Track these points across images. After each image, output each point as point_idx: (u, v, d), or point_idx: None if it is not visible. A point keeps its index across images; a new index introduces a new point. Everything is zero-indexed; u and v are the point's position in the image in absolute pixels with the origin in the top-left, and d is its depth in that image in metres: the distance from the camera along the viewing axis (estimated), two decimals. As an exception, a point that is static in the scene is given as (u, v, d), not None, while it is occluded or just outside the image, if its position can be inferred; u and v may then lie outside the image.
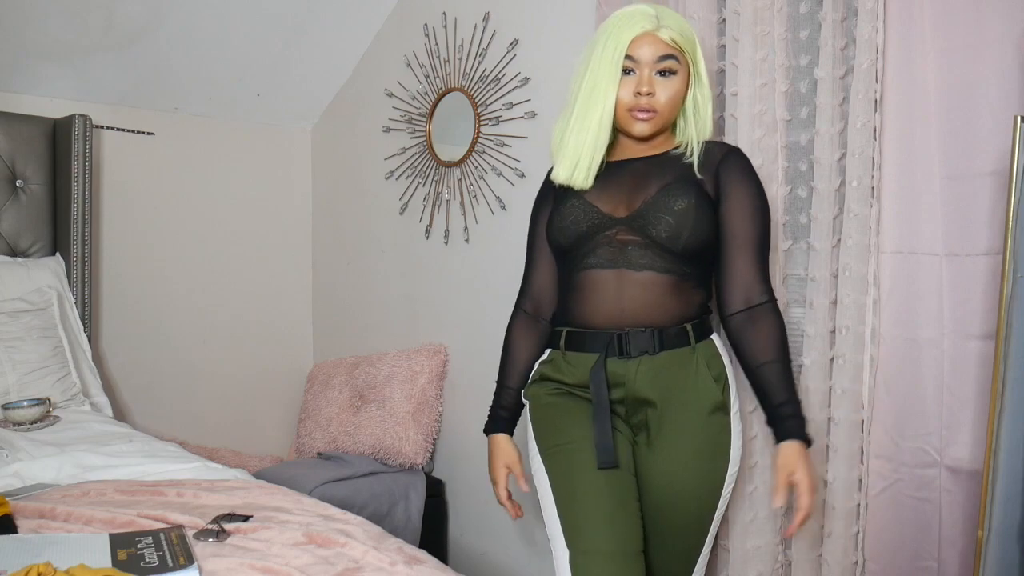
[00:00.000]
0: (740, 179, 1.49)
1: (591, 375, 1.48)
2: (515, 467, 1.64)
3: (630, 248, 1.47)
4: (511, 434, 1.68)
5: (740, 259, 1.48)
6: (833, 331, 1.68)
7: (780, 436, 1.45)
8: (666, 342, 1.47)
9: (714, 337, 1.53)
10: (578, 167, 1.50)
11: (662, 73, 1.46)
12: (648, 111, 1.47)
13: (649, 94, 1.46)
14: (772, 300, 1.49)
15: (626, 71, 1.47)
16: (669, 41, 1.46)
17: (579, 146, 1.49)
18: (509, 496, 1.66)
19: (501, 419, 1.66)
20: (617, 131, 1.56)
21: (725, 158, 1.50)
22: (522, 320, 1.68)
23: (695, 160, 1.50)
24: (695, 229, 1.45)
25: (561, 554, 1.43)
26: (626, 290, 1.47)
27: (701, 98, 1.53)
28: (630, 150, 1.56)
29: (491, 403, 1.69)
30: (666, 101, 1.47)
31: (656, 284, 1.47)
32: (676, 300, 1.48)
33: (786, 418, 1.45)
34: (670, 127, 1.56)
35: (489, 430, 1.68)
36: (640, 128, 1.49)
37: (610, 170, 1.54)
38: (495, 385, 1.69)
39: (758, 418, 1.76)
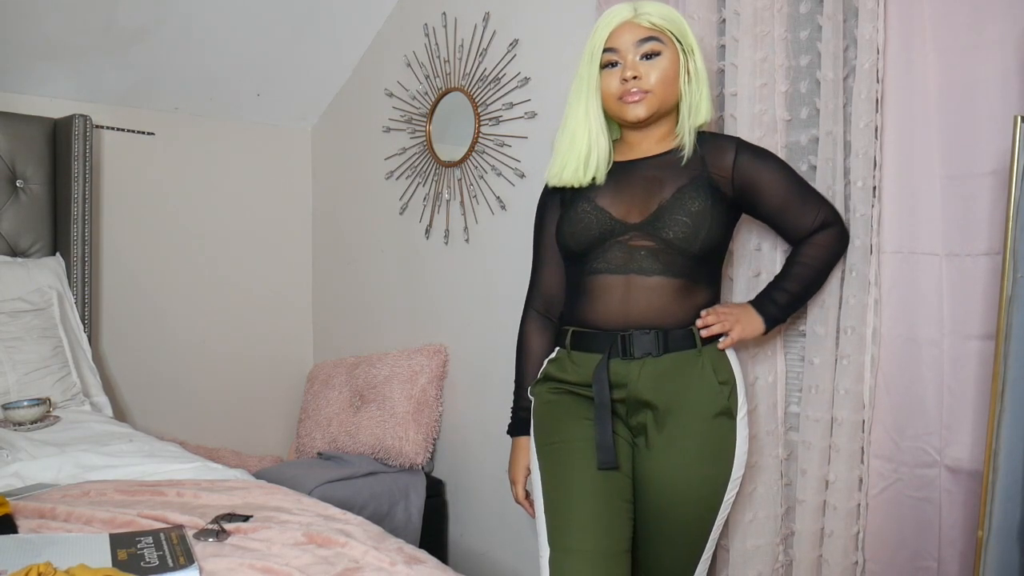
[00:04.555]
0: (759, 163, 1.51)
1: (594, 375, 1.48)
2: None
3: (643, 253, 1.47)
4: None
5: (798, 212, 1.53)
6: (839, 332, 1.68)
7: (754, 303, 1.57)
8: (670, 344, 1.47)
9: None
10: (566, 168, 1.52)
11: (647, 57, 1.46)
12: (638, 92, 1.46)
13: (635, 77, 1.46)
14: (841, 223, 1.56)
15: (612, 64, 1.48)
16: (648, 25, 1.46)
17: (561, 147, 1.53)
18: (527, 496, 1.66)
19: (522, 421, 1.64)
20: (621, 128, 1.55)
21: (737, 154, 1.50)
22: (535, 320, 1.67)
23: (687, 149, 1.49)
24: (711, 230, 1.45)
25: (544, 553, 1.44)
26: (633, 294, 1.47)
27: (695, 78, 1.50)
28: (638, 148, 1.55)
29: (512, 405, 1.68)
30: (656, 80, 1.46)
31: (665, 289, 1.47)
32: (683, 303, 1.48)
33: (767, 299, 1.56)
34: (674, 118, 1.54)
35: (511, 432, 1.67)
36: (634, 111, 1.48)
37: (620, 171, 1.53)
38: (513, 386, 1.68)
39: (758, 418, 1.76)
